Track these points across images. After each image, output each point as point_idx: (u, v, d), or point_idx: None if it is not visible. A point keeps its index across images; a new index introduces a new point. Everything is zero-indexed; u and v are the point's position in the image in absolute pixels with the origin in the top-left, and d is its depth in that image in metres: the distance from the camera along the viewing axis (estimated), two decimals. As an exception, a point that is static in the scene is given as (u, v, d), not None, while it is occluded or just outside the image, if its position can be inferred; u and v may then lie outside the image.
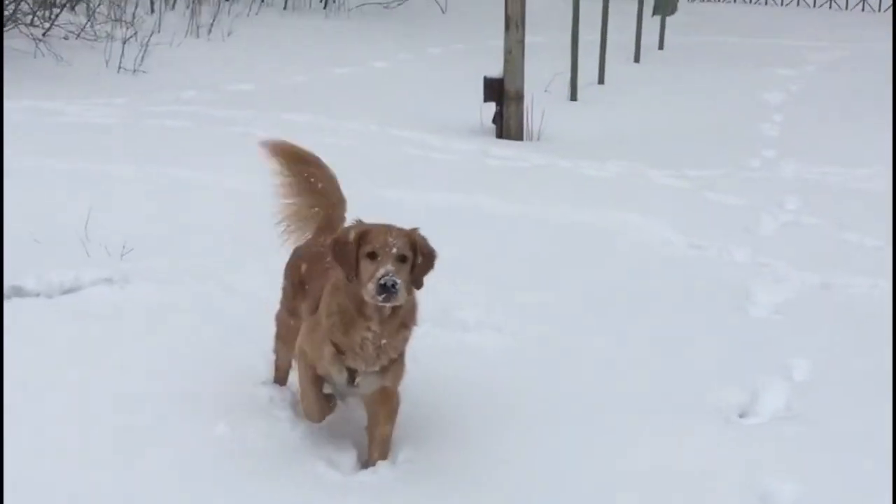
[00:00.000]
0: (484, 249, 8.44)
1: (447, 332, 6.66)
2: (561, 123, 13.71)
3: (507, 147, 12.62)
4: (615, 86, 17.26)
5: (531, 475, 5.14)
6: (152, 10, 19.52)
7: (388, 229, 4.91)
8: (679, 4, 26.62)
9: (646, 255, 8.55)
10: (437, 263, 5.05)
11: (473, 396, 5.87)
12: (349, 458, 5.21)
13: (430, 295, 7.00)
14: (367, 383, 5.06)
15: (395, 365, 5.11)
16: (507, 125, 13.35)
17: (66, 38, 16.58)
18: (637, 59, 20.09)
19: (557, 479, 5.12)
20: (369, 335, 4.94)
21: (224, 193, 9.33)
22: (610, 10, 18.09)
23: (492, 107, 13.55)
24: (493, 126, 13.45)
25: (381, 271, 4.74)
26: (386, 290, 4.72)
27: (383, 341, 4.98)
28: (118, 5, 18.18)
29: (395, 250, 4.82)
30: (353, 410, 5.37)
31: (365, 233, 4.88)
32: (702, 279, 8.01)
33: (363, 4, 23.40)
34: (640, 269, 8.20)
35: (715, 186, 10.95)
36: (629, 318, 7.13)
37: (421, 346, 6.34)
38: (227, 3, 21.07)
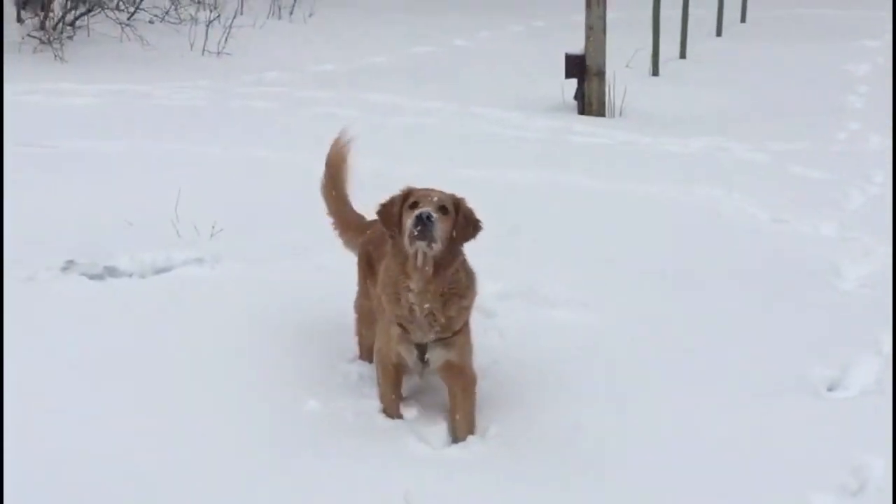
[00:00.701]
0: (567, 226, 8.46)
1: (533, 309, 6.72)
2: (643, 99, 13.67)
3: (589, 123, 12.61)
4: (697, 61, 17.16)
5: (623, 449, 5.17)
6: (234, -8, 19.72)
7: (431, 189, 5.07)
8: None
9: (731, 231, 8.51)
10: (481, 235, 5.15)
11: (562, 371, 5.90)
12: (439, 433, 5.27)
13: (515, 271, 7.14)
14: (436, 357, 5.15)
15: (459, 338, 5.18)
16: (589, 101, 13.34)
17: (150, 21, 16.81)
18: (719, 34, 19.95)
19: (651, 452, 5.13)
20: (411, 295, 5.02)
21: (308, 173, 9.41)
22: (691, -16, 17.99)
23: (573, 83, 13.53)
24: (574, 102, 13.45)
25: (418, 211, 4.86)
26: (421, 222, 4.82)
27: (426, 305, 5.04)
28: (201, -12, 18.40)
29: (435, 198, 4.97)
30: (443, 387, 5.43)
31: (410, 192, 5.05)
32: (788, 254, 7.96)
33: (443, -17, 23.43)
34: (725, 244, 8.17)
35: (800, 160, 10.86)
36: (715, 293, 7.12)
37: (507, 323, 6.47)
38: (307, -17, 21.22)
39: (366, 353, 5.89)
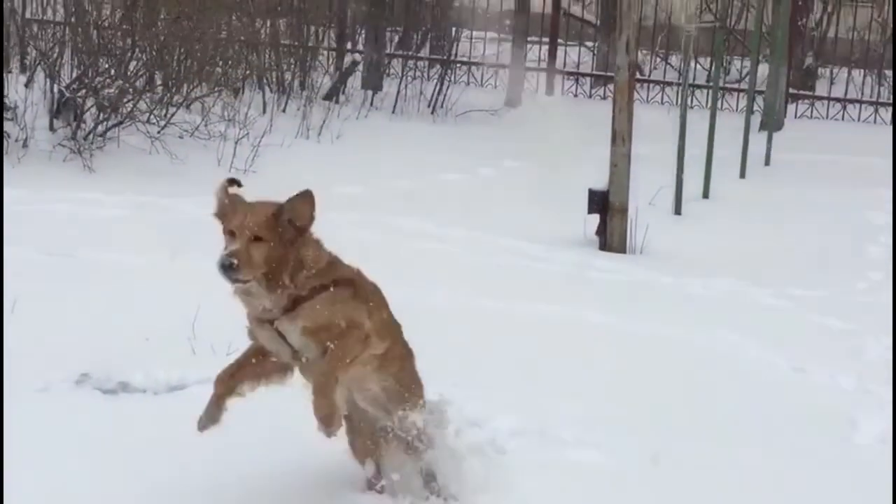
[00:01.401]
0: (584, 363, 8.44)
1: (545, 446, 6.68)
2: (664, 237, 13.70)
3: (610, 260, 12.64)
4: (720, 201, 17.21)
5: None
6: (264, 111, 19.91)
7: (250, 207, 5.21)
8: (785, 120, 26.56)
9: (748, 378, 8.48)
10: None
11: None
12: None
13: (530, 407, 7.11)
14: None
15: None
16: (611, 238, 13.38)
17: (180, 136, 16.99)
18: (743, 175, 20.03)
19: None
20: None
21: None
22: (717, 124, 18.10)
23: (596, 218, 13.59)
24: (596, 238, 13.50)
25: (217, 258, 5.02)
26: (222, 269, 5.00)
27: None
28: (231, 106, 18.60)
29: (247, 232, 5.07)
30: None
31: (224, 214, 5.26)
32: (805, 404, 7.92)
33: (470, 111, 23.66)
34: (744, 393, 8.11)
35: (820, 308, 10.84)
36: (731, 441, 7.06)
37: (517, 460, 6.43)
38: (337, 105, 21.47)
39: None
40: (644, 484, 6.27)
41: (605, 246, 13.36)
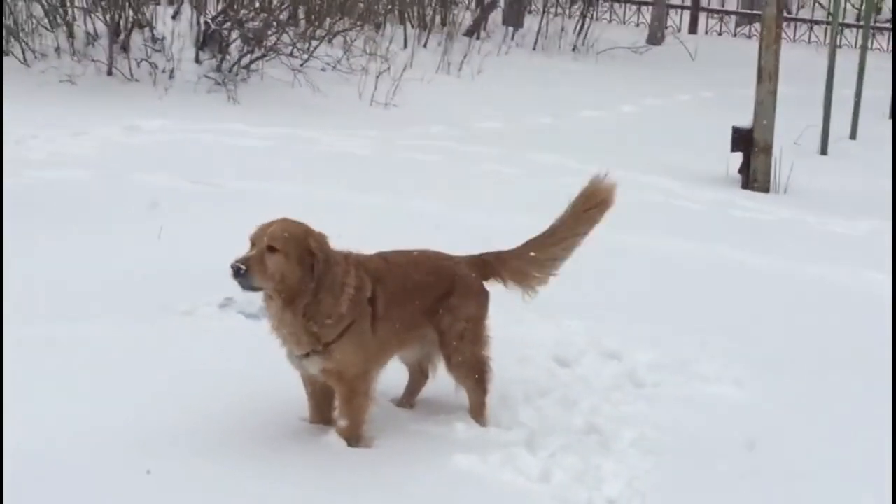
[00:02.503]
0: (724, 300, 8.34)
1: (684, 381, 6.61)
2: (809, 177, 13.42)
3: (753, 199, 12.43)
4: (867, 142, 16.79)
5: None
6: (405, 46, 19.95)
7: (270, 224, 5.33)
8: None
9: (889, 317, 8.26)
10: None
11: (713, 447, 5.79)
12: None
13: (669, 342, 7.05)
14: (310, 365, 5.48)
15: (335, 348, 5.37)
16: (754, 176, 13.17)
17: (322, 69, 17.12)
18: (892, 116, 19.52)
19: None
20: (272, 320, 5.46)
21: (471, 229, 9.45)
22: (867, 64, 17.62)
23: (739, 157, 13.37)
24: (738, 176, 13.29)
25: (231, 262, 5.19)
26: (234, 273, 5.19)
27: (284, 330, 5.41)
28: (373, 40, 18.68)
29: (266, 238, 5.24)
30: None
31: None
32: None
33: (612, 48, 23.41)
34: (881, 330, 7.92)
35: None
36: (869, 380, 6.90)
37: (657, 393, 6.39)
38: (477, 41, 21.41)
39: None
40: (786, 420, 6.17)
41: (747, 184, 13.15)
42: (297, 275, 5.25)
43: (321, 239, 5.36)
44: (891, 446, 5.88)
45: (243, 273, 5.15)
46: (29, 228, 8.87)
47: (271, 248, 5.21)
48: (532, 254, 6.08)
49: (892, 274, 8.93)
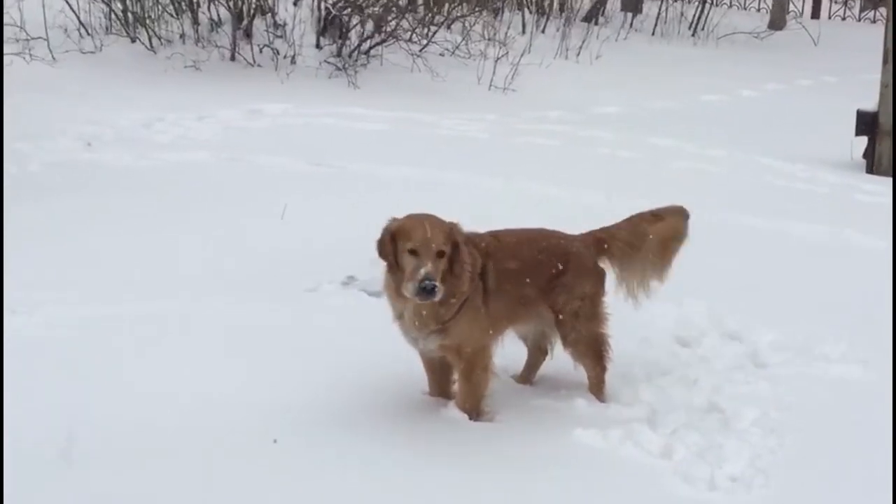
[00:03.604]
0: (847, 283, 8.21)
1: (808, 361, 6.55)
2: (937, 162, 13.13)
3: (879, 183, 12.19)
4: None
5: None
6: (524, 32, 19.96)
7: (426, 229, 5.25)
8: None
9: None
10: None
11: (839, 428, 5.74)
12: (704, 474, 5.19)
13: (793, 323, 6.98)
14: (429, 343, 5.51)
15: (452, 325, 5.43)
16: (879, 160, 12.92)
17: (441, 54, 17.20)
18: None
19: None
20: (405, 313, 5.47)
21: (588, 210, 9.44)
22: None
23: (863, 141, 13.15)
24: (863, 161, 13.06)
25: (421, 276, 5.15)
26: (423, 291, 5.15)
27: (416, 323, 5.43)
28: (492, 26, 18.71)
29: (433, 246, 5.21)
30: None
31: (400, 231, 5.31)
32: None
33: (733, 33, 23.15)
34: None
35: None
36: None
37: (780, 373, 6.34)
38: (595, 27, 21.33)
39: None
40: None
41: (872, 169, 12.91)
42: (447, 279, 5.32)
43: (459, 231, 5.40)
44: None
45: (436, 289, 5.16)
46: (155, 209, 9.09)
47: (441, 254, 5.25)
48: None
49: None
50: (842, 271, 8.54)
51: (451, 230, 5.32)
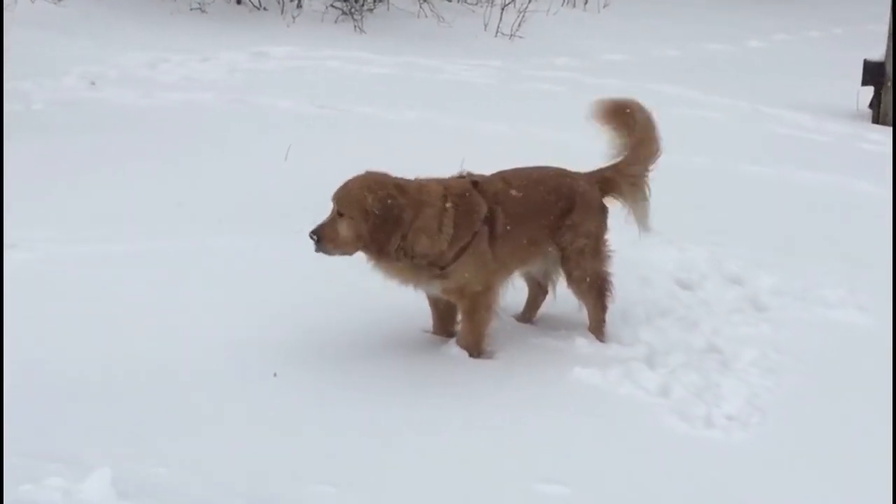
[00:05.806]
0: (849, 230, 8.24)
1: (807, 306, 6.58)
2: (944, 113, 13.10)
3: (884, 133, 12.16)
4: None
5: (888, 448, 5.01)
6: (531, -22, 19.84)
7: (346, 184, 5.49)
8: None
9: None
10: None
11: (836, 369, 5.79)
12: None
13: (792, 269, 7.00)
14: (432, 287, 5.61)
15: (452, 268, 5.48)
16: (885, 110, 12.88)
17: (448, 0, 17.12)
18: None
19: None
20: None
21: (594, 156, 9.42)
22: None
23: (870, 91, 13.11)
24: (869, 111, 13.03)
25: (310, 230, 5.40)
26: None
27: (393, 275, 5.55)
28: (499, -29, 18.60)
29: (336, 200, 5.42)
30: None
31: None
32: None
33: (741, -17, 23.00)
34: None
35: None
36: None
37: (780, 317, 6.36)
38: (604, -26, 21.19)
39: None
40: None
41: (878, 119, 12.88)
42: (369, 233, 5.34)
43: (382, 195, 5.36)
44: None
45: (318, 241, 5.32)
46: (158, 148, 9.10)
47: (340, 214, 5.36)
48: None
49: None
50: (844, 219, 8.57)
51: (363, 194, 5.34)
